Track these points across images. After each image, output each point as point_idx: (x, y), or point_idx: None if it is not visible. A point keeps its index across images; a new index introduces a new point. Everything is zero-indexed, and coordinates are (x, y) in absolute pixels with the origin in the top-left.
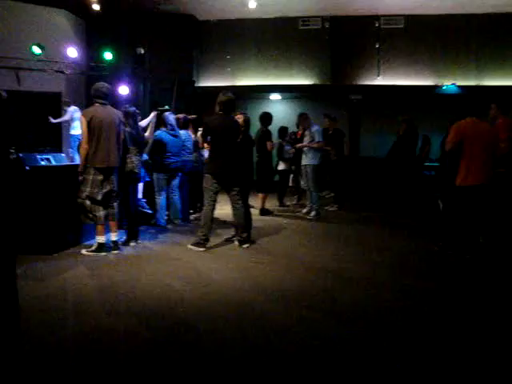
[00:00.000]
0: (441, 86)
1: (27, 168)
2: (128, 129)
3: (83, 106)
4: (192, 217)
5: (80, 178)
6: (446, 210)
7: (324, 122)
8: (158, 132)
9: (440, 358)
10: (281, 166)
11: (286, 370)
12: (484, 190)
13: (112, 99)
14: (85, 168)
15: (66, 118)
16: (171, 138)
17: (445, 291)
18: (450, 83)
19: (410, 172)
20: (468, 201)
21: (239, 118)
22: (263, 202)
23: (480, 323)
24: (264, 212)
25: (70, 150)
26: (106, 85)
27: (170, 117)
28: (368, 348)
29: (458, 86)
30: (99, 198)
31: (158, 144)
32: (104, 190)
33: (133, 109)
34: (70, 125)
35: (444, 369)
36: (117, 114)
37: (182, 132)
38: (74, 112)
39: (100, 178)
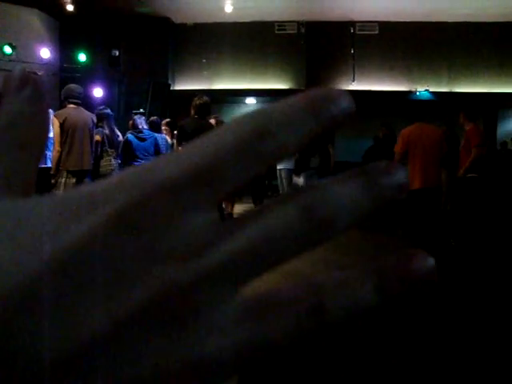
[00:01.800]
0: (414, 92)
1: None
2: (106, 131)
3: (56, 108)
4: None
5: (52, 181)
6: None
7: None
8: (126, 134)
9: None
10: None
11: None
12: (431, 193)
13: (85, 101)
14: (57, 171)
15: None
16: (137, 141)
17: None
18: (424, 89)
19: None
20: (418, 205)
21: (212, 121)
22: (231, 207)
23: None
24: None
25: (47, 152)
26: (79, 86)
27: (139, 120)
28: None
29: (431, 92)
30: None
31: (127, 146)
32: None
33: (107, 111)
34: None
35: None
36: (90, 116)
37: (156, 135)
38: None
39: (73, 181)
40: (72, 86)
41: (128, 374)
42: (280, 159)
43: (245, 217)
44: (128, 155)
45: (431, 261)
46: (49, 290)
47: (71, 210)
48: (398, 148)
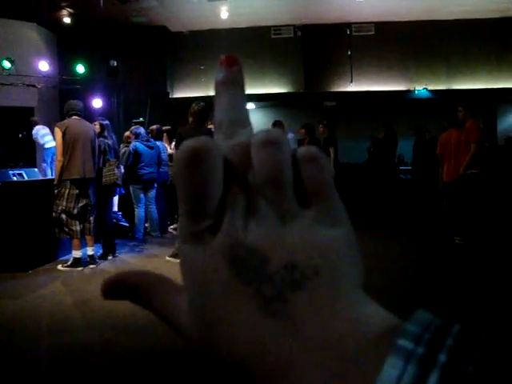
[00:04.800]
0: (413, 91)
1: None
2: (109, 141)
3: (57, 120)
4: (170, 228)
5: (55, 191)
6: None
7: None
8: (133, 143)
9: None
10: None
11: None
12: (451, 186)
13: (85, 112)
14: (61, 181)
15: (39, 141)
16: (146, 148)
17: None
18: (422, 88)
19: (389, 175)
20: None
21: (210, 126)
22: None
23: None
24: None
25: (44, 164)
26: (79, 101)
27: (139, 130)
28: None
29: (429, 91)
30: (75, 212)
31: (136, 154)
32: (80, 204)
33: (106, 122)
34: (39, 143)
35: None
36: (91, 127)
37: (157, 143)
38: (37, 132)
39: (76, 191)
40: (73, 101)
41: None
42: None
43: None
44: (134, 162)
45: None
46: None
47: None
48: (437, 150)
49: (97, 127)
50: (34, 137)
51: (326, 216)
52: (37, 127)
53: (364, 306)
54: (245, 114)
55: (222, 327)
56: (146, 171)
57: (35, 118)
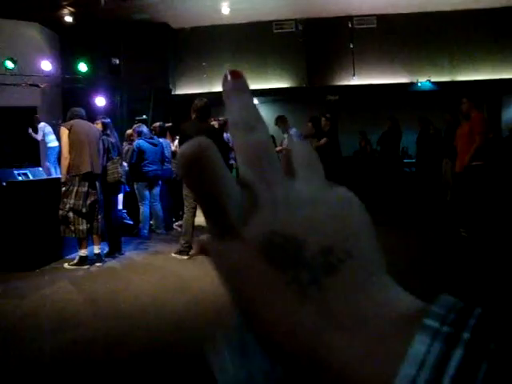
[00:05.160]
0: (416, 83)
1: (4, 184)
2: (112, 139)
3: (60, 119)
4: (175, 225)
5: (63, 188)
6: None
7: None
8: (137, 141)
9: None
10: None
11: None
12: (459, 176)
13: (88, 111)
14: (68, 179)
15: (39, 137)
16: (150, 146)
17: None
18: (425, 80)
19: (394, 168)
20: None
21: (214, 122)
22: None
23: None
24: None
25: (47, 163)
26: (82, 109)
27: (143, 127)
28: None
29: (433, 83)
30: (83, 210)
31: (138, 152)
32: (88, 202)
33: (107, 120)
34: (44, 141)
35: None
36: (95, 127)
37: (161, 140)
38: (44, 127)
39: (84, 189)
40: (75, 108)
41: None
42: None
43: None
44: (138, 160)
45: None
46: None
47: None
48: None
49: (99, 126)
50: (41, 132)
51: (357, 203)
52: (42, 123)
53: (391, 288)
54: (256, 112)
55: (261, 316)
56: (151, 168)
57: (38, 116)
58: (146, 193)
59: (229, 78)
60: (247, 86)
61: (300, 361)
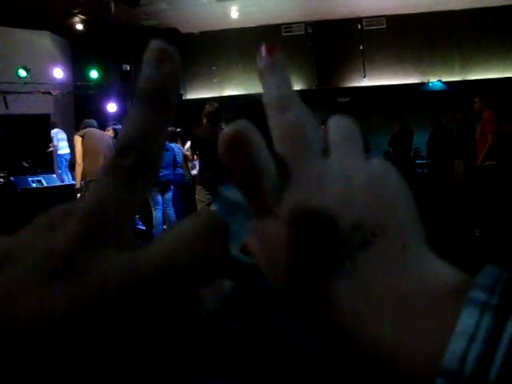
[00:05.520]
0: (427, 83)
1: (18, 190)
2: None
3: (72, 126)
4: None
5: (78, 195)
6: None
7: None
8: None
9: None
10: None
11: None
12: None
13: (100, 117)
14: (84, 184)
15: (54, 142)
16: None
17: None
18: (436, 80)
19: (406, 169)
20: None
21: (224, 127)
22: None
23: None
24: None
25: (59, 170)
26: (94, 120)
27: None
28: None
29: (443, 82)
30: None
31: None
32: None
33: (118, 126)
34: (54, 144)
35: None
36: (107, 135)
37: (172, 145)
38: (57, 133)
39: (82, 199)
40: (87, 119)
41: None
42: None
43: None
44: None
45: None
46: None
47: None
48: None
49: (110, 132)
50: (55, 138)
51: (389, 174)
52: (55, 130)
53: (431, 261)
54: (291, 90)
55: (297, 292)
56: (163, 173)
57: (55, 121)
58: (159, 198)
59: (263, 54)
60: (282, 62)
61: (337, 337)
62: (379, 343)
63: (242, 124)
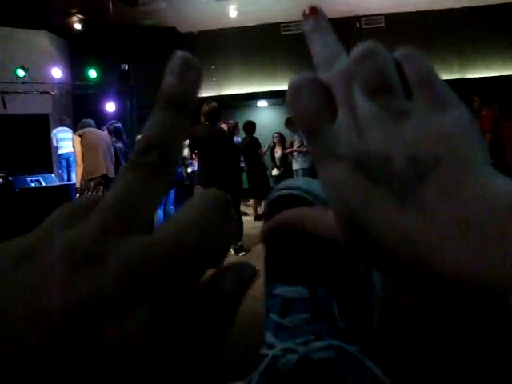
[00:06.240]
0: None
1: (17, 190)
2: (120, 145)
3: (70, 126)
4: None
5: (77, 194)
6: None
7: None
8: None
9: None
10: (275, 172)
11: None
12: None
13: (99, 117)
14: (84, 183)
15: (53, 143)
16: None
17: None
18: None
19: None
20: None
21: (223, 125)
22: (255, 208)
23: None
24: (258, 217)
25: (59, 170)
26: (92, 120)
27: None
28: None
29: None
30: None
31: None
32: None
33: (118, 125)
34: (53, 144)
35: None
36: (106, 135)
37: None
38: (56, 133)
39: (99, 194)
40: (85, 119)
41: None
42: None
43: None
44: None
45: None
46: None
47: None
48: None
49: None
50: (54, 137)
51: (435, 103)
52: (57, 129)
53: (493, 179)
54: (336, 48)
55: (366, 229)
56: None
57: (63, 118)
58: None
59: (307, 14)
60: (326, 22)
61: (409, 265)
62: (452, 265)
63: (308, 75)
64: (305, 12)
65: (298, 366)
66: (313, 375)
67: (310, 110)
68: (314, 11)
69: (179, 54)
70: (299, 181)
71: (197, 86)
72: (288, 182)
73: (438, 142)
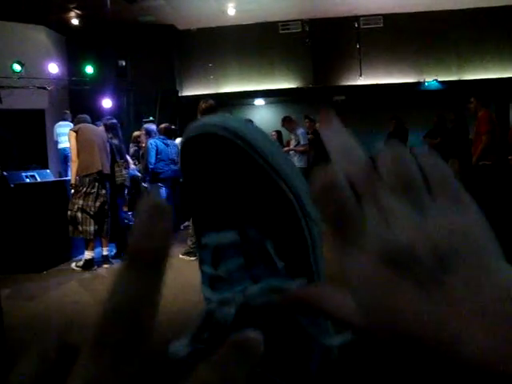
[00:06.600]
0: (423, 83)
1: (12, 186)
2: (115, 141)
3: (72, 120)
4: (182, 226)
5: (72, 190)
6: None
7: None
8: (152, 140)
9: None
10: None
11: None
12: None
13: (95, 113)
14: (79, 180)
15: (54, 137)
16: (164, 146)
17: None
18: (432, 79)
19: None
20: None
21: None
22: None
23: None
24: None
25: (60, 165)
26: (88, 116)
27: (153, 126)
28: None
29: (440, 82)
30: (92, 211)
31: (156, 152)
32: (97, 203)
33: (114, 121)
34: (54, 138)
35: None
36: (102, 130)
37: (168, 142)
38: (56, 128)
39: (94, 190)
40: (80, 115)
41: None
42: None
43: None
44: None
45: None
46: None
47: None
48: None
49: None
50: (55, 131)
51: (454, 201)
52: (58, 123)
53: (508, 271)
54: (355, 142)
55: (393, 318)
56: (164, 169)
57: (64, 111)
58: (163, 192)
59: (323, 123)
60: (341, 126)
61: (426, 351)
62: (471, 357)
63: (330, 170)
64: (321, 118)
65: (238, 315)
66: (255, 323)
67: (338, 205)
68: (328, 120)
69: (149, 199)
70: (214, 117)
71: (168, 238)
72: (203, 120)
73: (458, 236)
